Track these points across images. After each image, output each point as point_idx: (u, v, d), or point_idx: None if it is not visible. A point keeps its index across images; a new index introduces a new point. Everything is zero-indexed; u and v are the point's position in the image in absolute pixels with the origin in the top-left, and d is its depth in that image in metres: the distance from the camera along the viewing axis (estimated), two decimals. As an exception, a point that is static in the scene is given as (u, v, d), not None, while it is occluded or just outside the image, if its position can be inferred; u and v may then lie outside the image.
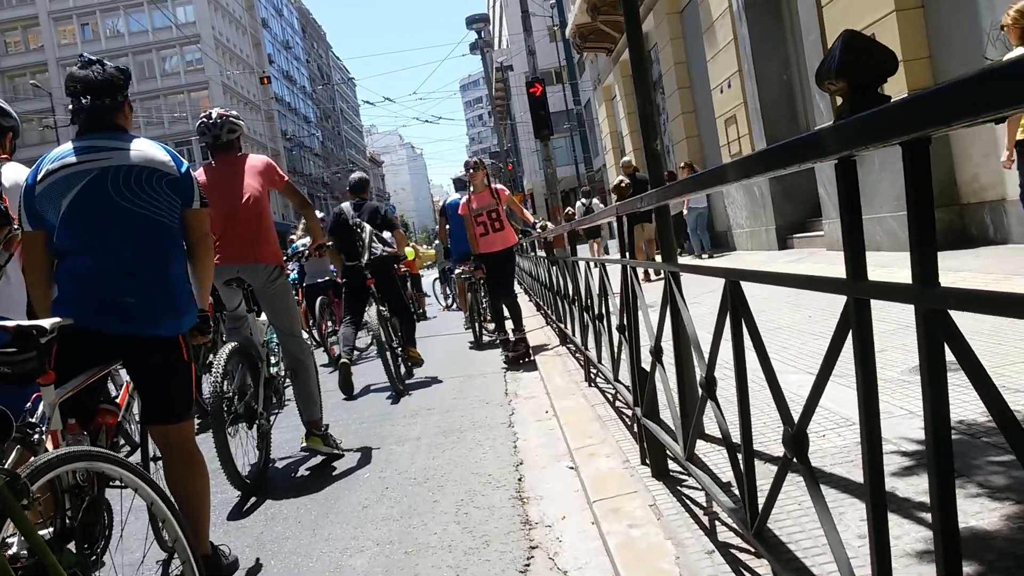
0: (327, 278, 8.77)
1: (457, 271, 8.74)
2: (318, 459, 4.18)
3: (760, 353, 1.58)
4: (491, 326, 8.59)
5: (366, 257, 6.24)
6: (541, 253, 8.37)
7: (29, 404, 2.21)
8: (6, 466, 2.28)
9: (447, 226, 9.22)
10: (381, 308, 6.26)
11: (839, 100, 1.00)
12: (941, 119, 0.78)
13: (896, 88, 6.81)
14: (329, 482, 3.79)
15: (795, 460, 1.45)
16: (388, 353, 6.00)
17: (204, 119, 4.23)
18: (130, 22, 50.16)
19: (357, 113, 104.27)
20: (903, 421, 2.76)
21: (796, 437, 1.40)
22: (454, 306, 13.36)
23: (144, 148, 2.57)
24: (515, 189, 42.54)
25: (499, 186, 7.04)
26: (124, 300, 2.41)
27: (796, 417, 1.44)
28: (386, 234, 6.53)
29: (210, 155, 4.25)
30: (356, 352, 7.12)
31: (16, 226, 2.61)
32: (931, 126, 0.81)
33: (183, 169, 2.63)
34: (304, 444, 4.11)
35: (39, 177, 2.50)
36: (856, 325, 1.13)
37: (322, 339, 8.61)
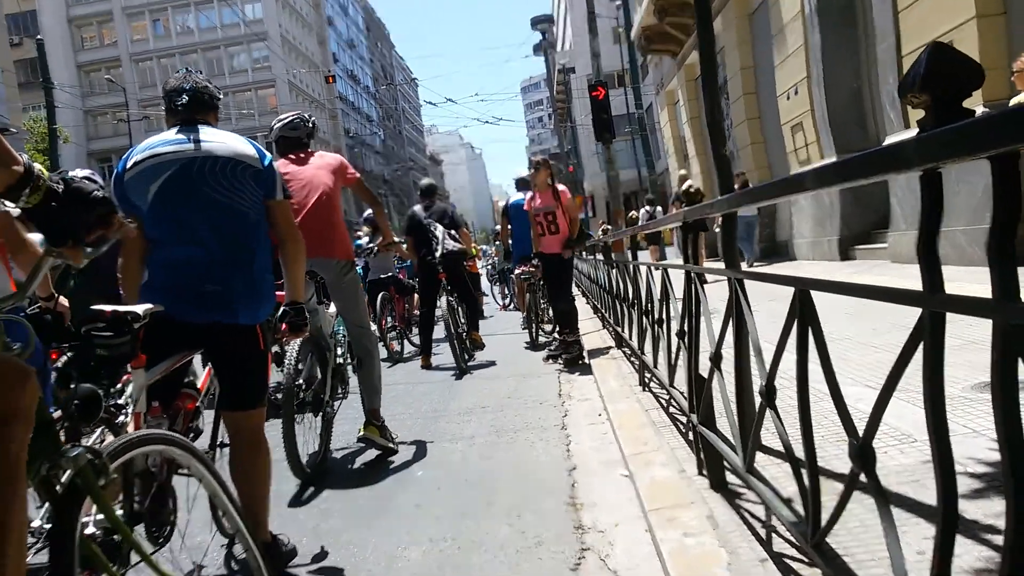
0: (390, 274, 8.91)
1: (517, 271, 8.78)
2: (374, 452, 4.25)
3: (825, 364, 1.57)
4: (548, 327, 8.63)
5: (439, 251, 7.17)
6: (600, 256, 8.36)
7: (119, 385, 2.31)
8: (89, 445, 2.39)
9: (508, 226, 9.27)
10: (450, 299, 7.17)
11: (917, 113, 0.99)
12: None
13: (971, 98, 6.58)
14: (384, 477, 3.86)
15: (862, 475, 1.43)
16: (455, 338, 6.94)
17: (286, 118, 4.42)
18: (200, 18, 51.69)
19: (418, 112, 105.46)
20: (965, 440, 2.68)
21: (863, 450, 1.38)
22: (511, 306, 13.42)
23: (230, 140, 2.68)
24: (576, 191, 42.45)
25: (562, 188, 7.02)
26: (208, 288, 2.51)
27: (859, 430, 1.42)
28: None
29: (279, 151, 4.40)
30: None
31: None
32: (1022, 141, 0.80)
33: (267, 162, 2.71)
34: (362, 433, 4.20)
35: (128, 165, 2.63)
36: (929, 339, 1.11)
37: (382, 334, 8.75)
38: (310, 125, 4.44)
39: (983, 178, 6.94)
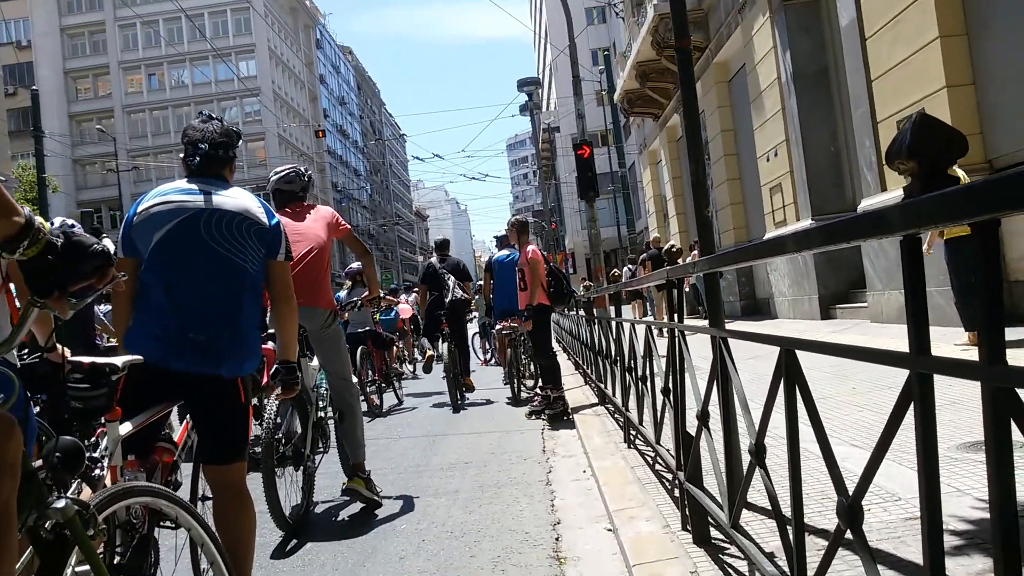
0: (368, 328, 8.87)
1: (498, 327, 8.80)
2: (357, 506, 4.19)
3: (815, 423, 1.59)
4: (529, 383, 8.61)
5: (449, 298, 8.51)
6: (582, 313, 8.41)
7: (93, 439, 2.28)
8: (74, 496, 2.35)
9: (491, 281, 9.33)
10: (451, 345, 8.37)
11: (893, 176, 1.04)
12: (1016, 203, 0.81)
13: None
14: (367, 530, 3.80)
15: (848, 532, 1.44)
16: (453, 380, 8.16)
17: (283, 171, 4.48)
18: (195, 74, 52.32)
19: (405, 168, 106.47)
20: (951, 499, 2.70)
21: (851, 509, 1.40)
22: (492, 361, 13.37)
23: (240, 197, 2.71)
24: (557, 248, 42.79)
25: (532, 247, 7.15)
26: (192, 338, 2.49)
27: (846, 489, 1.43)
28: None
29: (276, 204, 4.46)
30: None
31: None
32: (1005, 209, 0.84)
33: (273, 222, 2.74)
34: (346, 486, 4.15)
35: (139, 210, 2.65)
36: (919, 400, 1.14)
37: (362, 387, 8.67)
38: (305, 179, 4.51)
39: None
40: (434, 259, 9.21)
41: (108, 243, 3.13)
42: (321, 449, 4.31)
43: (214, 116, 2.86)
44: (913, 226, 1.04)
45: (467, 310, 9.03)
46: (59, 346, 2.74)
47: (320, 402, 4.33)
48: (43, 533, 1.47)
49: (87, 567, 1.66)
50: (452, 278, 8.66)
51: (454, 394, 8.11)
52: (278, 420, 3.84)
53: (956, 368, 1.05)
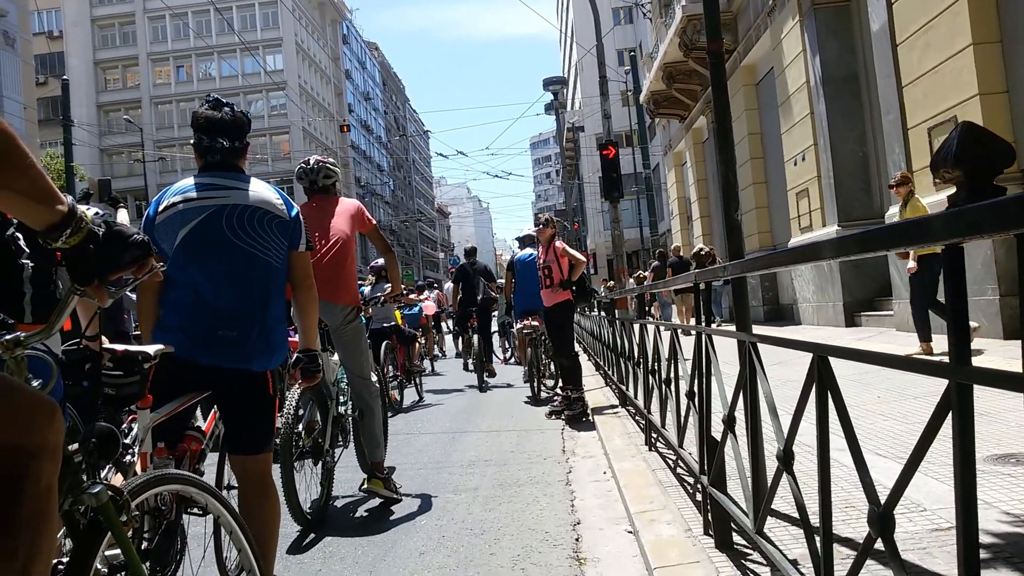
0: (392, 323, 8.90)
1: (518, 326, 8.81)
2: (376, 501, 4.22)
3: (847, 431, 1.58)
4: (549, 382, 8.61)
5: (480, 297, 10.66)
6: (603, 314, 8.39)
7: (124, 426, 2.31)
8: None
9: (513, 281, 9.34)
10: (479, 337, 10.49)
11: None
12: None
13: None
14: (387, 526, 3.82)
15: (879, 542, 1.44)
16: (481, 365, 10.06)
17: (303, 164, 4.48)
18: (223, 67, 52.78)
19: (428, 164, 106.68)
20: (980, 512, 2.67)
21: (883, 518, 1.39)
22: (512, 360, 13.38)
23: (259, 189, 2.71)
24: (580, 249, 42.70)
25: (560, 244, 7.13)
26: (222, 334, 2.51)
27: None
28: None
29: (308, 196, 4.47)
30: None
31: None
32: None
33: (293, 213, 2.74)
34: (365, 486, 4.16)
35: (160, 208, 2.66)
36: (958, 410, 1.13)
37: (383, 383, 8.71)
38: (319, 171, 4.45)
39: (982, 251, 7.03)
40: (465, 262, 11.29)
41: (123, 215, 3.11)
42: (341, 443, 4.33)
43: (224, 101, 2.77)
44: (959, 235, 1.03)
45: (492, 307, 11.04)
46: (102, 336, 2.78)
47: (341, 397, 4.35)
48: (77, 517, 1.50)
49: (117, 551, 1.69)
50: (482, 279, 10.70)
51: (480, 376, 9.92)
52: (300, 412, 3.86)
53: (998, 379, 1.04)
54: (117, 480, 2.09)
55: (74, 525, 1.50)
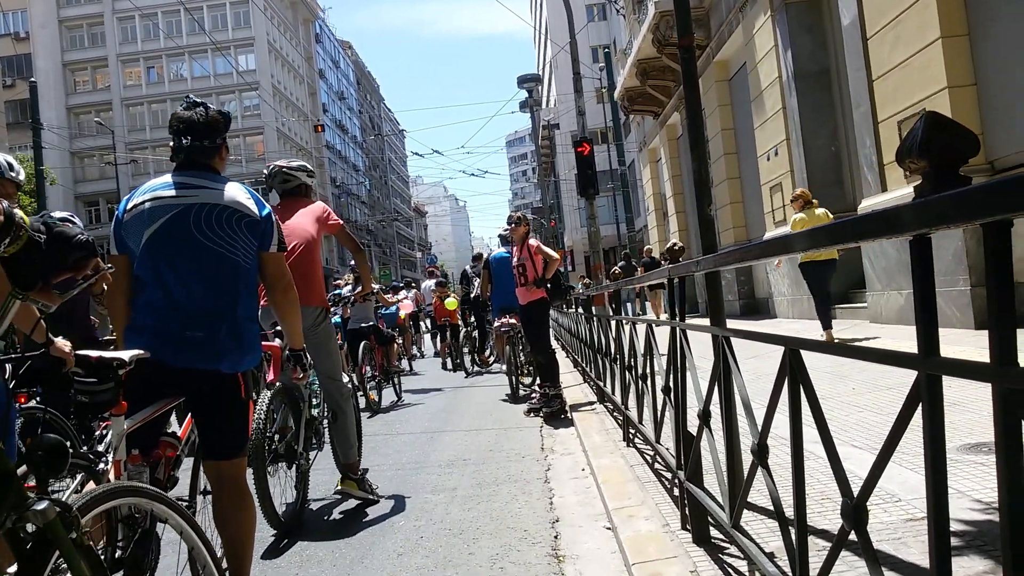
0: (371, 323, 8.85)
1: (496, 324, 8.79)
2: (353, 504, 4.18)
3: (820, 424, 1.58)
4: (527, 380, 8.61)
5: (473, 294, 12.00)
6: (580, 310, 8.40)
7: (98, 433, 2.27)
8: (72, 492, 2.33)
9: (490, 279, 9.32)
10: (474, 332, 12.30)
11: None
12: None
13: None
14: (364, 527, 3.79)
15: (852, 534, 1.44)
16: (474, 356, 11.99)
17: (265, 170, 4.48)
18: (194, 67, 52.15)
19: (404, 164, 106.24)
20: (951, 500, 2.69)
21: (856, 510, 1.39)
22: (492, 359, 13.38)
23: (229, 189, 2.66)
24: (556, 245, 42.78)
25: (534, 242, 7.13)
26: (191, 335, 2.48)
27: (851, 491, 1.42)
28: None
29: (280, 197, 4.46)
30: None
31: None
32: (1019, 210, 0.83)
33: (264, 213, 2.69)
34: (339, 487, 4.13)
35: (128, 207, 2.62)
36: (927, 402, 1.13)
37: (362, 384, 8.66)
38: (275, 172, 4.45)
39: (952, 242, 7.12)
40: (468, 267, 13.30)
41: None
42: (315, 446, 4.29)
43: (199, 102, 2.73)
44: (925, 226, 1.03)
45: (486, 304, 12.11)
46: (58, 340, 2.71)
47: (313, 399, 4.30)
48: (23, 535, 1.42)
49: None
50: (476, 281, 11.78)
51: (473, 363, 11.66)
52: (274, 416, 3.81)
53: (966, 370, 1.04)
54: (90, 488, 2.04)
55: (18, 544, 1.41)
